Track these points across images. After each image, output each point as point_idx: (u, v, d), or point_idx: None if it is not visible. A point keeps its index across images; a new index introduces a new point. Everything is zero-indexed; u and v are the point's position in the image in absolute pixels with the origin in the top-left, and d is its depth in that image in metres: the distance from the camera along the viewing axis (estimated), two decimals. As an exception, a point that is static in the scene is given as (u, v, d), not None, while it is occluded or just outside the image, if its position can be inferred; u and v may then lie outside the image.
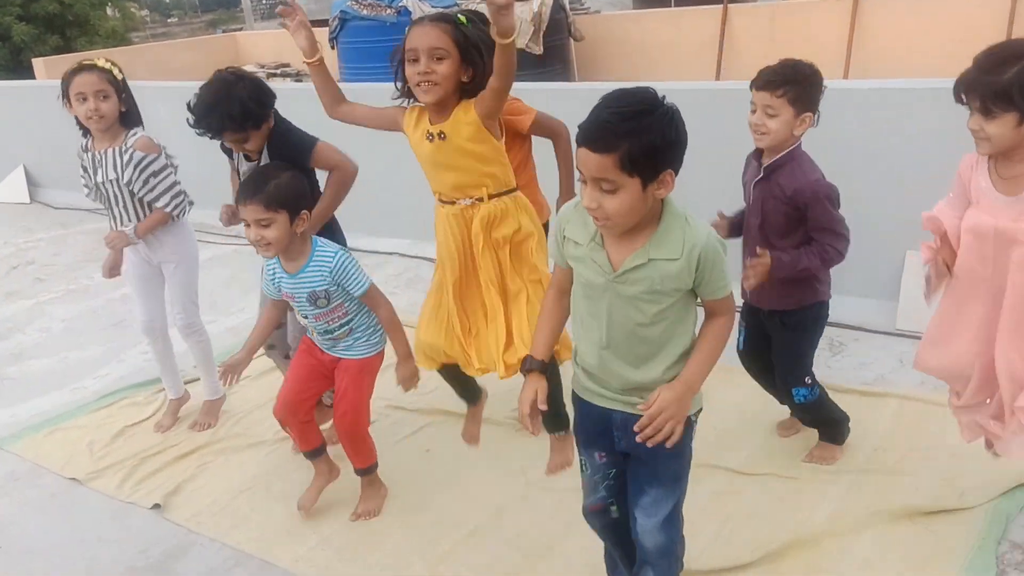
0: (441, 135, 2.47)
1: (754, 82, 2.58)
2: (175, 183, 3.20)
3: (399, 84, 2.54)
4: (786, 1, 7.90)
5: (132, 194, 3.17)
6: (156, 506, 3.02)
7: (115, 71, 3.15)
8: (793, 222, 2.62)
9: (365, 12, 7.85)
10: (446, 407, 3.49)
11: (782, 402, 2.99)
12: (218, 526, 2.89)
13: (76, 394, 3.96)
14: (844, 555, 2.49)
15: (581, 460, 2.12)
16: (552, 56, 7.87)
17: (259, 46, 11.39)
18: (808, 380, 2.79)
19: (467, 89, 2.45)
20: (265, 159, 2.88)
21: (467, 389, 2.96)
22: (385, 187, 5.44)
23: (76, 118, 3.17)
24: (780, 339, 2.78)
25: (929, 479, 2.76)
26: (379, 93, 5.76)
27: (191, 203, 3.30)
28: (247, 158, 2.95)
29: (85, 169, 3.26)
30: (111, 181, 3.16)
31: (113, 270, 3.41)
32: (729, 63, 7.82)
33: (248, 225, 2.54)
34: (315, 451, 2.87)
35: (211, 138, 2.86)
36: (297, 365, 2.81)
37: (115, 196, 3.20)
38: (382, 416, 3.39)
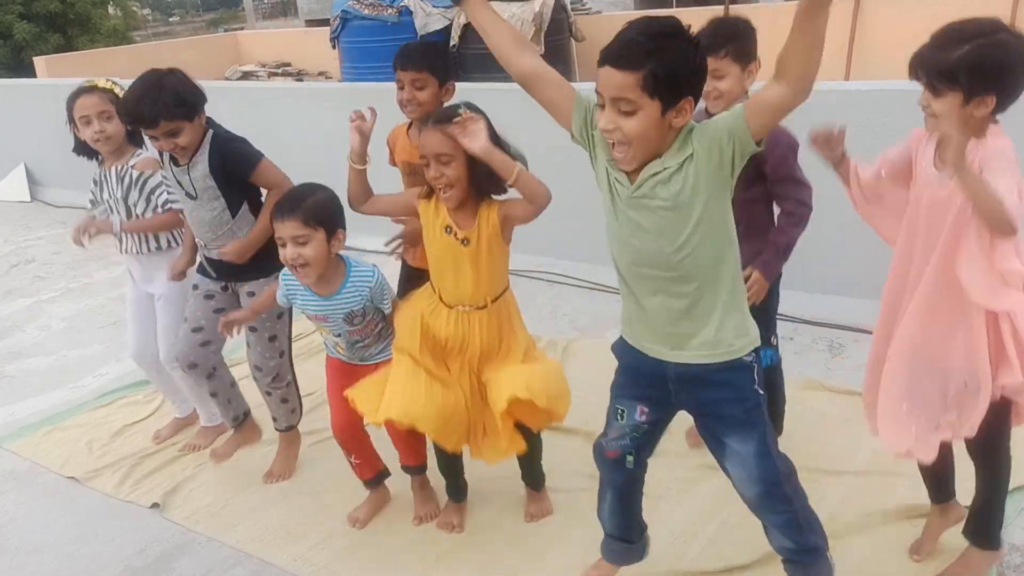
0: (465, 241, 2.40)
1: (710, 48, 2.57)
2: (168, 200, 3.14)
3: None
4: (787, 2, 7.89)
5: (132, 215, 3.16)
6: (155, 505, 3.02)
7: (116, 90, 3.14)
8: (751, 175, 2.55)
9: (366, 12, 7.86)
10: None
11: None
12: (216, 525, 2.89)
13: (75, 393, 3.96)
14: (842, 557, 2.47)
15: (618, 409, 2.09)
16: (553, 56, 7.87)
17: (260, 45, 11.40)
18: (774, 341, 2.84)
19: (483, 185, 2.37)
20: (202, 165, 2.80)
21: (458, 483, 2.79)
22: (384, 187, 5.44)
23: (78, 141, 3.19)
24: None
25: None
26: (379, 93, 5.79)
27: (155, 240, 3.23)
28: (175, 162, 2.85)
29: (96, 184, 3.26)
30: (116, 200, 3.16)
31: (77, 234, 3.28)
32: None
33: (284, 244, 2.47)
34: (379, 476, 2.82)
35: (145, 130, 2.78)
36: (337, 389, 2.69)
37: (119, 217, 3.19)
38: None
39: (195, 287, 3.04)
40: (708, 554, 2.52)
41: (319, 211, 2.47)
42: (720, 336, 1.90)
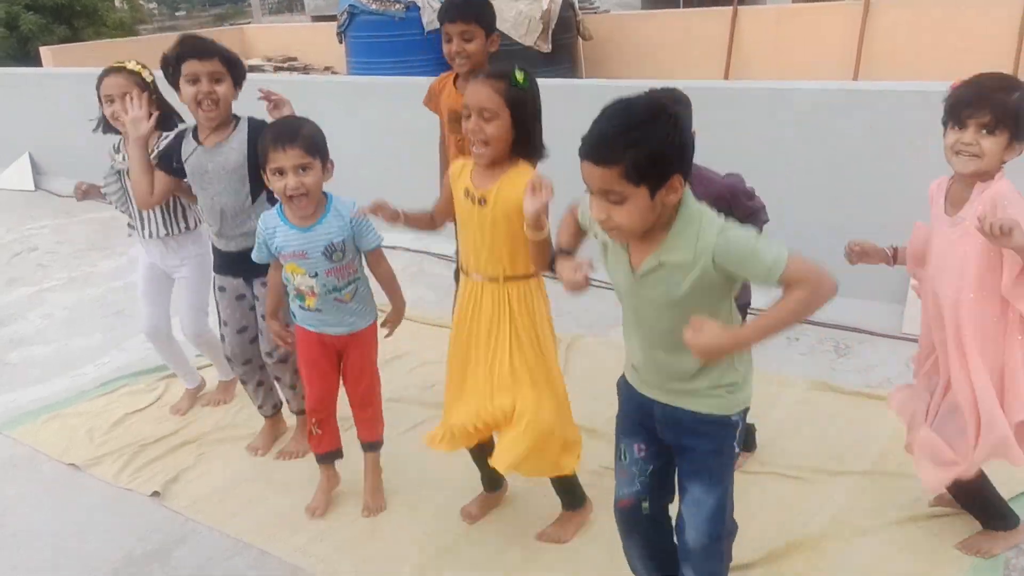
0: (482, 200, 2.34)
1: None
2: None
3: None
4: (793, 3, 7.88)
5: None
6: (155, 494, 3.00)
7: (144, 73, 3.16)
8: None
9: (374, 7, 7.84)
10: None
11: None
12: (217, 515, 2.88)
13: (76, 381, 3.95)
14: (846, 558, 2.47)
15: (620, 447, 2.09)
16: (560, 54, 7.86)
17: (266, 40, 11.40)
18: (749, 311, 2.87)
19: (519, 149, 2.33)
20: (238, 147, 2.83)
21: (493, 474, 2.71)
22: (389, 181, 5.43)
23: (104, 123, 3.20)
24: None
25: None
26: (386, 87, 5.78)
27: (176, 222, 3.27)
28: (196, 138, 2.87)
29: (116, 172, 3.26)
30: None
31: (77, 192, 3.40)
32: (737, 64, 7.81)
33: (283, 174, 2.48)
34: (333, 453, 2.87)
35: (196, 59, 2.77)
36: (312, 363, 2.74)
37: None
38: (383, 409, 3.37)
39: (221, 289, 3.05)
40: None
41: (316, 140, 2.52)
42: (713, 391, 1.90)
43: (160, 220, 3.24)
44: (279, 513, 2.87)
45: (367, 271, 2.74)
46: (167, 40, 3.37)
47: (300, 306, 2.68)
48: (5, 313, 4.85)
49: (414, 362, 3.88)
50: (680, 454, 1.99)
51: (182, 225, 3.26)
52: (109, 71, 3.14)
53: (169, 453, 3.26)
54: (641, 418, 2.02)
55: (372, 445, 2.89)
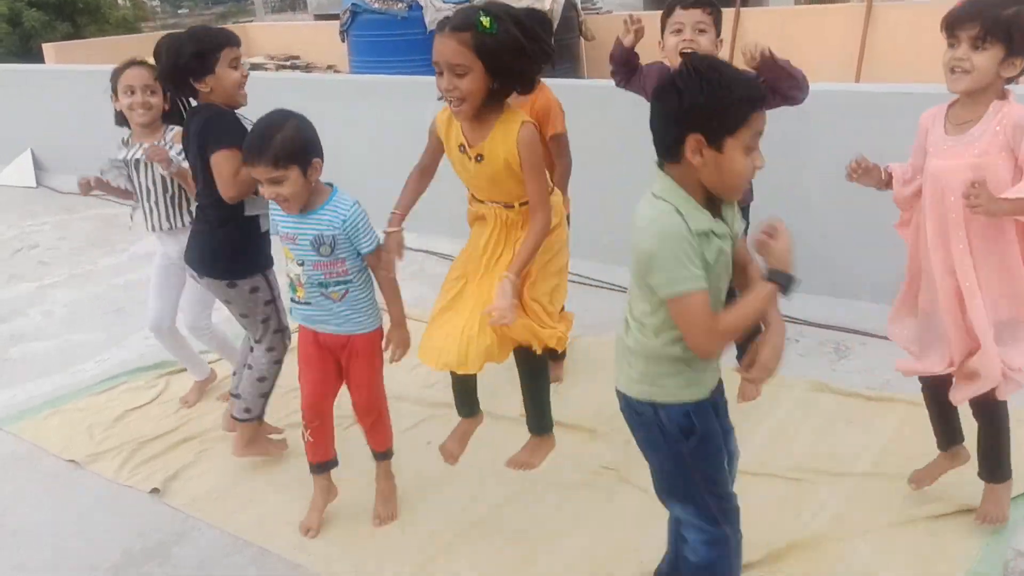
0: (479, 157, 2.33)
1: (680, 3, 2.82)
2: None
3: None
4: (796, 5, 7.87)
5: (165, 187, 3.22)
6: (154, 491, 3.01)
7: None
8: None
9: (376, 6, 7.85)
10: (448, 400, 3.46)
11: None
12: (216, 512, 2.88)
13: (77, 377, 3.95)
14: (846, 560, 2.47)
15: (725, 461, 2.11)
16: (562, 54, 7.85)
17: (269, 38, 11.40)
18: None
19: (499, 94, 2.27)
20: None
21: (469, 398, 2.73)
22: (390, 180, 5.42)
23: (118, 113, 3.24)
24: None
25: (933, 485, 2.74)
26: (388, 86, 5.77)
27: (179, 215, 3.28)
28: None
29: (123, 162, 3.28)
30: (144, 168, 3.20)
31: (82, 187, 3.36)
32: (740, 65, 7.80)
33: (262, 184, 2.47)
34: (327, 463, 2.81)
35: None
36: (307, 362, 2.72)
37: (147, 190, 3.24)
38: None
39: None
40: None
41: (288, 148, 2.39)
42: (629, 373, 1.93)
43: (163, 213, 3.25)
44: (279, 511, 2.87)
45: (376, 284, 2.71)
46: (170, 39, 3.39)
47: (292, 298, 2.67)
48: (6, 309, 4.86)
49: (414, 361, 3.85)
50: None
51: (186, 219, 3.25)
52: (131, 63, 3.18)
53: (169, 450, 3.26)
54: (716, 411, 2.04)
55: (380, 454, 2.84)
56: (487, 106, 2.27)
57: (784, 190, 3.91)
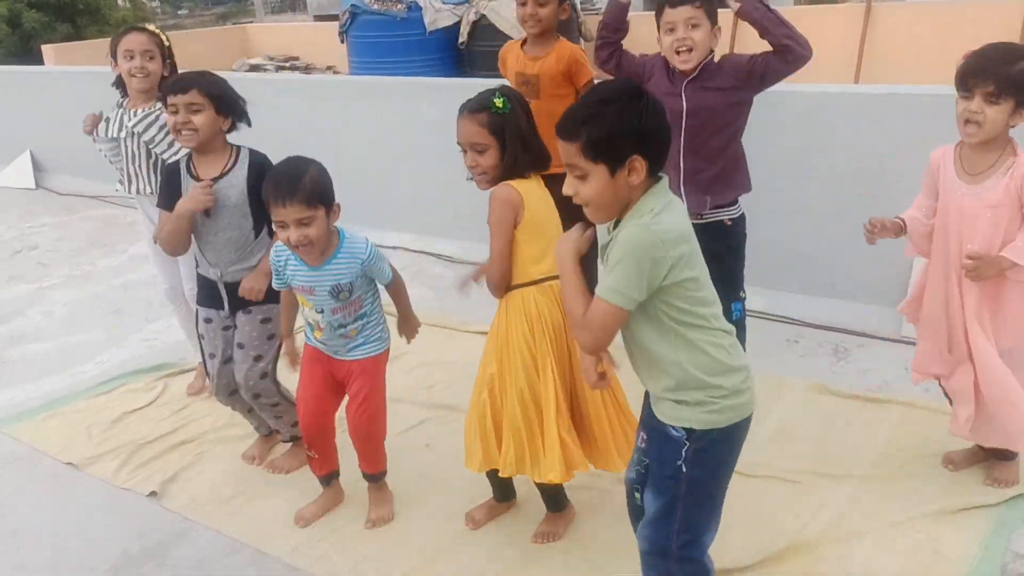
0: None
1: (667, 3, 2.80)
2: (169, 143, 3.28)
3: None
4: (796, 6, 7.87)
5: (149, 154, 3.31)
6: (152, 493, 3.00)
7: (163, 37, 3.34)
8: (732, 108, 2.86)
9: (376, 7, 7.85)
10: (447, 402, 3.48)
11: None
12: (214, 514, 2.88)
13: (76, 379, 3.95)
14: (843, 562, 2.47)
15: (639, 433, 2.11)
16: (562, 55, 7.86)
17: (269, 39, 11.39)
18: (743, 295, 3.01)
19: (516, 167, 2.40)
20: (238, 182, 2.78)
21: (506, 487, 2.74)
22: (390, 181, 5.43)
23: (117, 79, 3.35)
24: (723, 246, 2.90)
25: (931, 487, 2.74)
26: (388, 87, 5.77)
27: None
28: (190, 172, 2.83)
29: (111, 122, 3.36)
30: (132, 136, 3.30)
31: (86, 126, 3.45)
32: (743, 46, 7.81)
33: (285, 227, 2.43)
34: (332, 474, 2.83)
35: (171, 95, 2.75)
36: (308, 379, 2.71)
37: (132, 154, 3.35)
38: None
39: (207, 321, 2.95)
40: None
41: (317, 189, 2.44)
42: (663, 396, 1.90)
43: (147, 178, 3.36)
44: (277, 513, 2.87)
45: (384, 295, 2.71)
46: (170, 37, 3.41)
47: (309, 333, 2.71)
48: (5, 310, 4.86)
49: (413, 362, 3.88)
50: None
51: None
52: (131, 29, 3.32)
53: (167, 452, 3.26)
54: (647, 412, 2.03)
55: (372, 477, 2.80)
56: (504, 178, 2.41)
57: (783, 191, 3.91)
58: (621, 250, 1.73)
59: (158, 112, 3.24)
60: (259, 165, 2.79)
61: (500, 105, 2.35)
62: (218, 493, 2.99)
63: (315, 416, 2.71)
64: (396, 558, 2.62)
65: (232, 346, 2.93)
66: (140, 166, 3.36)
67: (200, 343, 3.02)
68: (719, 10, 2.88)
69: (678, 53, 2.80)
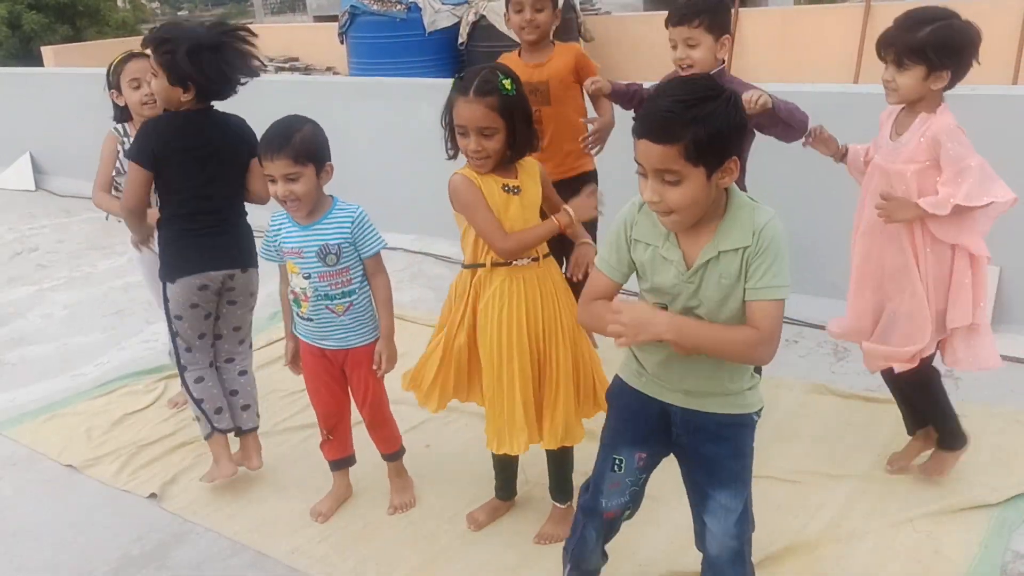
0: (516, 189, 2.40)
1: (669, 20, 2.81)
2: None
3: (449, 147, 2.44)
4: (796, 6, 7.87)
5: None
6: (152, 495, 3.00)
7: None
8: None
9: (375, 7, 7.84)
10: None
11: None
12: (214, 516, 2.88)
13: (76, 381, 3.95)
14: (843, 562, 2.47)
15: (615, 459, 1.99)
16: (561, 56, 7.85)
17: (268, 40, 11.39)
18: None
19: (520, 148, 2.40)
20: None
21: (509, 482, 2.77)
22: (390, 182, 5.43)
23: (120, 109, 3.26)
24: None
25: (931, 487, 2.74)
26: (387, 88, 5.77)
27: None
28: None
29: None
30: None
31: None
32: (740, 65, 7.80)
33: (275, 181, 2.48)
34: (345, 460, 2.87)
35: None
36: (312, 372, 2.74)
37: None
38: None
39: (194, 305, 2.91)
40: (709, 555, 2.49)
41: (308, 146, 2.46)
42: (733, 388, 1.87)
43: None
44: (277, 514, 2.87)
45: (371, 293, 2.70)
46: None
47: (297, 313, 2.68)
48: (5, 312, 4.85)
49: (414, 363, 3.86)
50: (698, 461, 1.94)
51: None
52: (131, 56, 3.20)
53: (167, 454, 3.26)
54: (650, 426, 1.95)
55: (390, 456, 2.88)
56: (504, 161, 2.39)
57: (782, 191, 3.90)
58: (773, 246, 1.68)
59: None
60: (238, 128, 2.84)
61: (509, 87, 2.30)
62: (218, 495, 2.99)
63: (328, 406, 2.76)
64: (397, 560, 2.62)
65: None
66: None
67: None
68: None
69: (681, 69, 2.81)
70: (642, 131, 1.66)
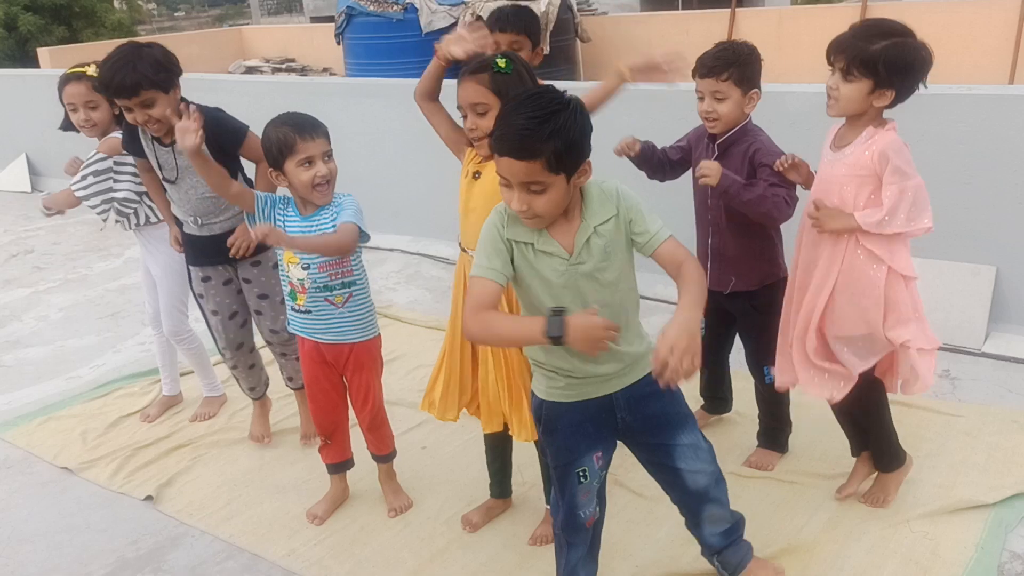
0: (476, 174, 2.39)
1: (696, 70, 2.67)
2: (108, 189, 3.20)
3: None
4: (792, 5, 7.87)
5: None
6: (148, 498, 2.99)
7: None
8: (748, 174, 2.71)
9: (371, 8, 7.85)
10: (443, 404, 3.46)
11: (718, 398, 3.15)
12: (210, 519, 2.87)
13: (71, 383, 3.94)
14: (840, 562, 2.47)
15: (577, 471, 2.05)
16: (558, 56, 7.86)
17: (265, 41, 11.39)
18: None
19: None
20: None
21: (503, 478, 2.76)
22: (387, 184, 5.43)
23: (66, 118, 3.28)
24: (752, 321, 2.83)
25: (927, 487, 2.74)
26: (384, 89, 5.77)
27: (134, 215, 3.28)
28: (159, 141, 2.85)
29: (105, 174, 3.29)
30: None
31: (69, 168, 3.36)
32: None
33: (311, 164, 2.48)
34: (343, 464, 2.87)
35: (120, 99, 2.72)
36: (312, 378, 2.73)
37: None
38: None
39: (205, 279, 3.01)
40: (704, 560, 2.49)
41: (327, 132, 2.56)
42: (645, 346, 2.03)
43: (150, 210, 3.27)
44: (273, 517, 2.86)
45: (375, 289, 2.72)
46: (165, 41, 3.39)
47: (292, 307, 2.67)
48: (0, 315, 4.84)
49: (410, 364, 3.87)
50: (649, 425, 2.05)
51: (150, 218, 3.28)
52: (69, 79, 3.17)
53: (163, 456, 3.25)
54: (596, 425, 2.04)
55: (383, 457, 2.87)
56: None
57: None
58: (629, 196, 1.94)
59: (96, 155, 3.19)
60: (212, 119, 2.74)
61: (503, 65, 2.29)
62: (214, 497, 2.99)
63: (327, 412, 2.77)
64: (392, 562, 2.61)
65: (237, 302, 3.04)
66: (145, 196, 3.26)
67: (199, 303, 3.07)
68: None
69: (707, 122, 2.70)
70: (503, 149, 1.77)
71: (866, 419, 2.64)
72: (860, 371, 2.46)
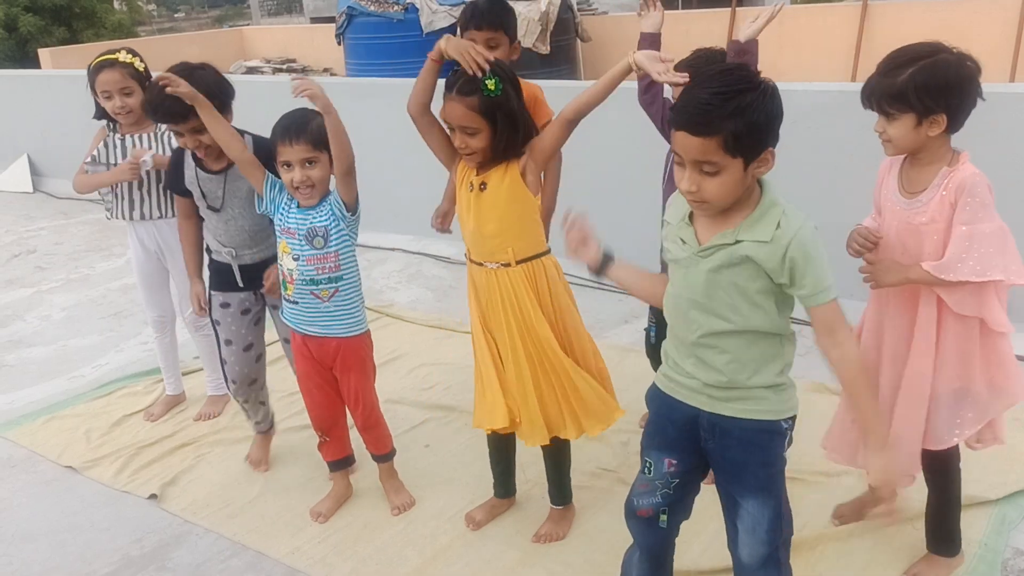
0: (483, 185, 2.37)
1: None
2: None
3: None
4: (793, 5, 7.89)
5: (159, 177, 3.22)
6: (152, 496, 3.00)
7: (136, 63, 3.19)
8: None
9: (372, 8, 7.86)
10: (446, 403, 3.48)
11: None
12: (214, 517, 2.88)
13: (74, 382, 3.94)
14: (844, 559, 2.47)
15: (646, 461, 2.00)
16: (559, 56, 7.86)
17: (265, 42, 11.40)
18: None
19: (507, 149, 2.35)
20: (236, 173, 2.75)
21: (507, 478, 2.76)
22: (388, 183, 5.43)
23: (101, 111, 3.25)
24: None
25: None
26: (385, 89, 5.78)
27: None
28: (205, 169, 2.81)
29: (105, 147, 3.29)
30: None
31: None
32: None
33: (290, 167, 2.48)
34: (343, 460, 2.87)
35: (172, 124, 2.73)
36: (304, 373, 2.74)
37: (140, 179, 3.23)
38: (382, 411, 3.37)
39: (224, 305, 2.93)
40: (709, 554, 2.50)
41: (323, 134, 2.48)
42: (754, 383, 1.85)
43: (154, 200, 3.27)
44: (277, 515, 2.86)
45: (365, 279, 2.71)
46: (166, 42, 3.40)
47: (284, 297, 2.68)
48: (3, 314, 4.85)
49: (412, 363, 3.88)
50: (725, 467, 1.92)
51: (170, 209, 3.27)
52: (103, 67, 3.14)
53: (167, 455, 3.26)
54: (678, 431, 1.93)
55: (382, 457, 2.88)
56: (495, 159, 2.36)
57: (781, 189, 3.90)
58: (804, 250, 1.70)
59: (166, 133, 3.19)
60: (266, 150, 2.71)
61: (492, 87, 2.26)
62: (218, 495, 2.99)
63: (322, 408, 2.77)
64: (396, 560, 2.62)
65: (253, 333, 2.97)
66: (149, 190, 3.26)
67: (216, 331, 3.00)
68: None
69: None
70: (680, 123, 1.66)
71: (943, 479, 2.37)
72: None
